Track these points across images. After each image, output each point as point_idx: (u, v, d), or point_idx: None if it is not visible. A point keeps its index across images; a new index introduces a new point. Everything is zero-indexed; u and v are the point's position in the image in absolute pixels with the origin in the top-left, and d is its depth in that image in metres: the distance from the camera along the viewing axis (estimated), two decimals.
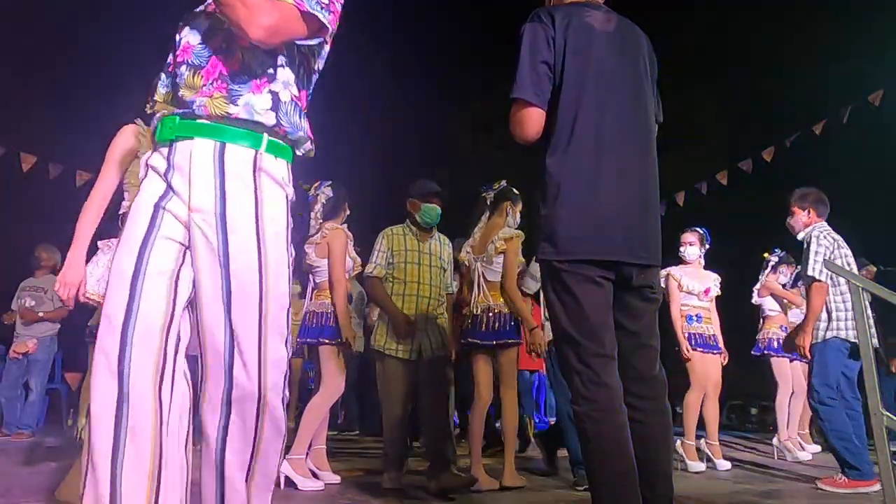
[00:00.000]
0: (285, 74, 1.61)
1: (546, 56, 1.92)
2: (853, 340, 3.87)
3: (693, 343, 4.70)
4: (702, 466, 4.57)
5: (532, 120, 1.94)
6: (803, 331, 3.99)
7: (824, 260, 3.87)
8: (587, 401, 1.80)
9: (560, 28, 1.93)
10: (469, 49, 14.73)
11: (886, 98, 6.87)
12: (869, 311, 4.13)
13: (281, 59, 1.61)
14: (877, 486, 3.56)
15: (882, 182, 10.58)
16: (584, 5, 2.04)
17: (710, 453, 4.72)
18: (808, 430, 6.22)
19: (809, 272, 3.94)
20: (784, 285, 5.91)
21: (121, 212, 2.57)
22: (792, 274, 5.90)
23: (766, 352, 5.83)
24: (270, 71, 1.59)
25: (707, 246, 4.92)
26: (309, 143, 1.69)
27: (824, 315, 3.98)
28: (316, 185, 3.90)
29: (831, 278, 3.97)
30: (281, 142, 1.61)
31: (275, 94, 1.59)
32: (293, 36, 1.56)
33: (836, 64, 11.39)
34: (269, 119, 1.57)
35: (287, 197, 1.62)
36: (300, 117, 1.64)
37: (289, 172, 1.64)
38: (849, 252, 4.07)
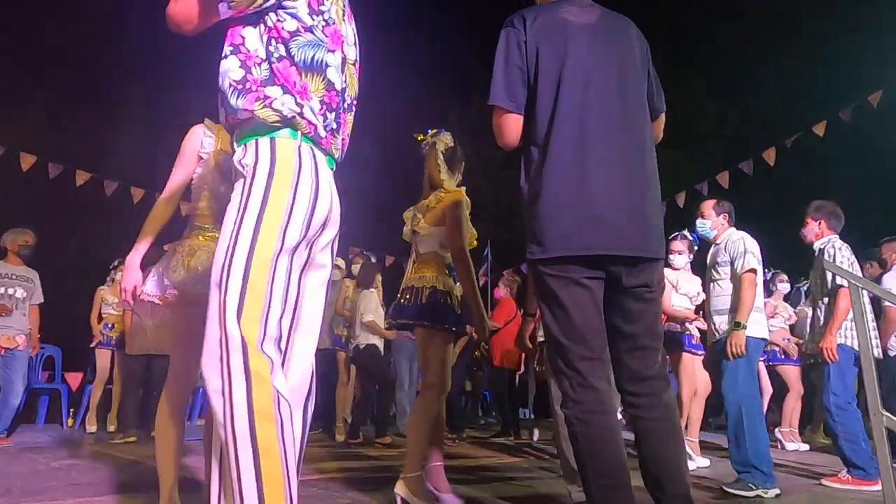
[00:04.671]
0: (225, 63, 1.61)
1: (518, 61, 1.91)
2: (849, 346, 4.00)
3: (686, 344, 4.84)
4: (706, 462, 4.61)
5: (510, 126, 1.95)
6: (829, 334, 4.06)
7: (825, 260, 3.97)
8: (575, 403, 1.81)
9: (531, 29, 1.91)
10: (471, 48, 14.75)
11: (886, 98, 6.88)
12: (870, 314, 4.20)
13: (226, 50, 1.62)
14: (878, 487, 3.61)
15: (882, 182, 10.58)
16: (563, 1, 2.00)
17: (689, 450, 4.76)
18: (796, 429, 6.35)
19: (839, 281, 4.02)
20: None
21: (186, 213, 2.55)
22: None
23: None
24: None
25: (696, 248, 4.99)
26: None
27: (849, 322, 4.05)
28: (433, 132, 3.23)
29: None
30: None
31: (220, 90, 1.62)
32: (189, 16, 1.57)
33: (836, 64, 11.40)
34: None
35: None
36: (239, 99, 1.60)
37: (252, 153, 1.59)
38: (858, 267, 4.21)
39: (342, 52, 1.69)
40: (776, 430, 6.13)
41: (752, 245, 3.84)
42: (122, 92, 13.58)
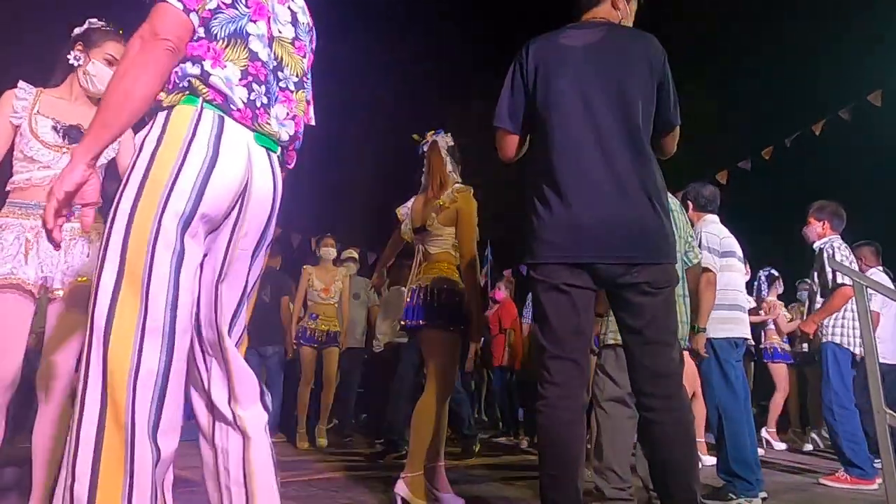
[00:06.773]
0: None
1: (519, 85, 2.10)
2: (847, 347, 4.06)
3: (684, 344, 4.82)
4: (713, 460, 4.62)
5: (507, 144, 2.16)
6: (811, 321, 4.12)
7: (828, 258, 4.00)
8: (541, 397, 1.95)
9: (531, 57, 2.09)
10: (471, 49, 14.75)
11: (886, 98, 6.87)
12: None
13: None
14: (875, 486, 3.64)
15: (881, 182, 10.58)
16: (570, 27, 2.15)
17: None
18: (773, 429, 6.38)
19: (839, 280, 4.04)
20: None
21: (8, 188, 2.34)
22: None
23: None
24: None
25: None
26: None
27: (849, 323, 4.10)
28: (431, 132, 3.25)
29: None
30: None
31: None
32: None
33: (837, 64, 11.40)
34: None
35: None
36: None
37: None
38: (857, 267, 4.29)
39: (268, 25, 1.58)
40: (763, 429, 6.17)
41: (710, 240, 3.54)
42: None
